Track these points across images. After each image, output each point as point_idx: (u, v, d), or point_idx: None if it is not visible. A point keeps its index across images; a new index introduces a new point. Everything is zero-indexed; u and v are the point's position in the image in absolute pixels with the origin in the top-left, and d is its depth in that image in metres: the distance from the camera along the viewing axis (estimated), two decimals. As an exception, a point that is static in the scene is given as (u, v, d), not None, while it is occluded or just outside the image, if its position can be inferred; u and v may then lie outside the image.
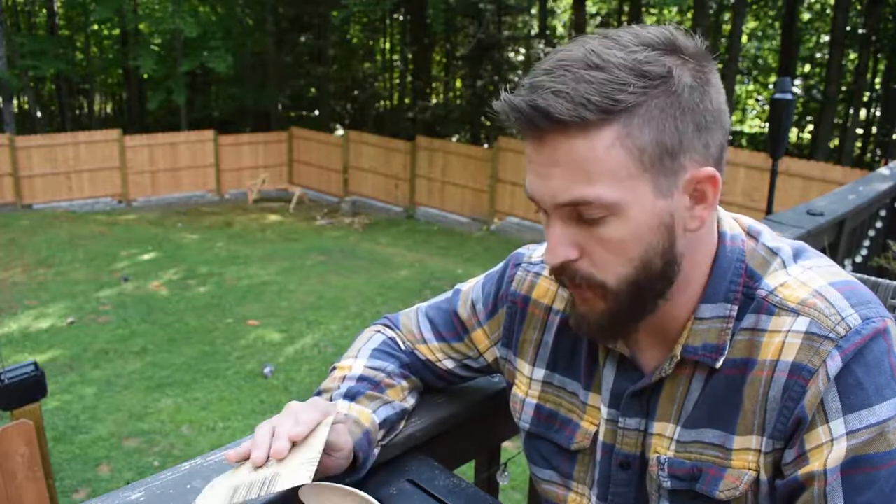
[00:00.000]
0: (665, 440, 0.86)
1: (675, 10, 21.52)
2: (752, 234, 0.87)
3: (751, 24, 23.78)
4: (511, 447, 1.34)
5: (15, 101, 21.50)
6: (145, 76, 21.19)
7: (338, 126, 24.79)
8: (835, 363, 0.75)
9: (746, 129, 26.91)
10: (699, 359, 0.83)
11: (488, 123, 20.16)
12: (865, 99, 22.70)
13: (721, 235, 0.85)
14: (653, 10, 22.81)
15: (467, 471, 1.30)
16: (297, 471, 0.78)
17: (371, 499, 0.85)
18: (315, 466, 0.78)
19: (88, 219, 15.55)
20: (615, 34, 0.76)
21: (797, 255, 0.85)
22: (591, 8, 23.85)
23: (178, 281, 11.53)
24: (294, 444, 0.83)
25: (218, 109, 24.84)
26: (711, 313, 0.83)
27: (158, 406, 7.31)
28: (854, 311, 0.77)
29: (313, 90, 25.25)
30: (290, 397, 7.53)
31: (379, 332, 1.14)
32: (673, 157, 0.75)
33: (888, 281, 1.38)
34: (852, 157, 19.44)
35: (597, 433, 0.93)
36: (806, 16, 23.11)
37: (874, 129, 23.52)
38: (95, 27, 24.67)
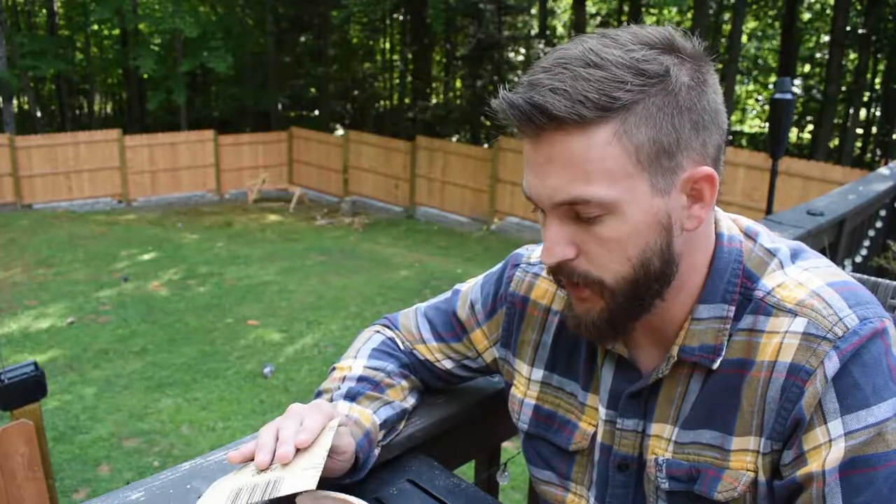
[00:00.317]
0: (663, 441, 0.86)
1: (674, 10, 21.53)
2: (749, 235, 0.87)
3: (751, 24, 23.78)
4: (511, 447, 1.35)
5: (15, 101, 21.50)
6: (145, 76, 21.18)
7: (338, 126, 24.79)
8: (832, 364, 0.75)
9: (746, 129, 26.91)
10: (696, 360, 0.83)
11: (488, 123, 20.13)
12: (865, 99, 22.70)
13: (718, 236, 0.85)
14: (653, 10, 22.81)
15: (467, 471, 1.30)
16: (302, 476, 0.78)
17: None
18: (320, 472, 0.78)
19: (88, 219, 15.55)
20: (613, 33, 0.77)
21: (795, 256, 0.85)
22: (591, 8, 23.85)
23: (178, 281, 11.53)
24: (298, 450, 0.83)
25: (218, 109, 24.85)
26: (709, 314, 0.83)
27: (158, 406, 7.31)
28: (852, 312, 0.77)
29: (313, 90, 25.25)
30: (290, 397, 7.53)
31: (378, 332, 1.14)
32: (670, 156, 0.75)
33: (888, 281, 1.38)
34: (852, 157, 19.44)
35: (595, 434, 0.93)
36: (806, 16, 23.11)
37: (874, 129, 23.53)
38: (95, 27, 24.68)
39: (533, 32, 22.82)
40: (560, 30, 25.52)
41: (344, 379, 1.03)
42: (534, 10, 22.72)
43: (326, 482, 0.87)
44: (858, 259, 3.57)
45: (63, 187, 16.59)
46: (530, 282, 1.02)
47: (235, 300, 10.58)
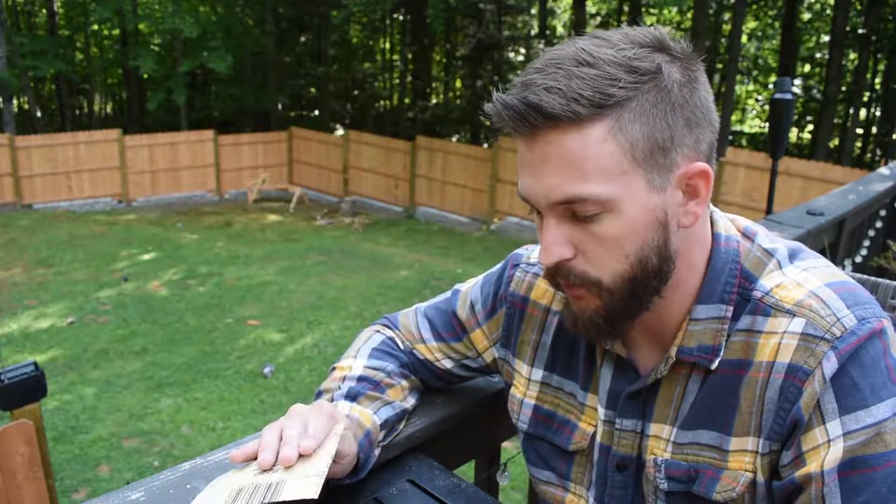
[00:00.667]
0: (662, 442, 0.86)
1: (675, 10, 21.53)
2: (747, 236, 0.87)
3: (751, 24, 23.77)
4: (511, 447, 1.35)
5: (15, 101, 21.51)
6: (145, 76, 21.19)
7: (338, 126, 24.80)
8: (830, 364, 0.75)
9: (746, 129, 26.91)
10: (695, 360, 0.83)
11: (488, 123, 20.14)
12: (865, 99, 22.70)
13: (716, 237, 0.85)
14: (653, 10, 22.80)
15: (467, 471, 1.30)
16: (304, 484, 0.77)
17: None
18: (322, 481, 0.77)
19: (88, 219, 15.56)
20: (604, 34, 0.78)
21: (793, 256, 0.85)
22: (591, 8, 23.85)
23: (178, 281, 11.53)
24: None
25: (218, 109, 24.84)
26: (707, 314, 0.83)
27: (158, 406, 7.31)
28: (850, 312, 0.77)
29: (313, 90, 25.26)
30: (290, 397, 7.53)
31: (378, 331, 1.14)
32: (665, 153, 0.76)
33: (888, 281, 1.38)
34: (852, 157, 19.45)
35: (595, 434, 0.93)
36: (806, 16, 23.11)
37: (874, 129, 23.53)
38: (95, 27, 24.69)
39: (533, 32, 22.83)
40: (560, 30, 25.52)
41: (344, 378, 1.03)
42: (534, 10, 22.73)
43: (326, 483, 0.87)
44: (858, 259, 3.57)
45: (63, 187, 16.59)
46: (530, 282, 1.02)
47: (235, 300, 10.58)
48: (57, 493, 4.90)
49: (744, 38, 22.52)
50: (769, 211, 5.44)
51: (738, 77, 22.57)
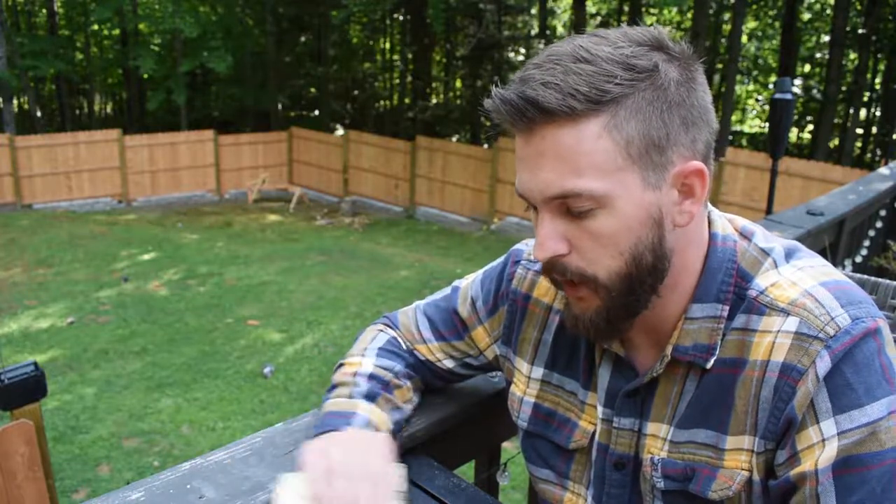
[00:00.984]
0: (659, 440, 0.87)
1: (675, 10, 21.54)
2: (745, 235, 0.88)
3: (751, 24, 23.78)
4: (511, 447, 1.35)
5: (15, 101, 21.52)
6: (145, 76, 21.20)
7: (338, 126, 24.80)
8: (824, 363, 0.75)
9: (746, 129, 26.92)
10: (690, 359, 0.83)
11: (488, 123, 20.14)
12: (865, 99, 22.71)
13: (712, 236, 0.86)
14: (653, 10, 22.81)
15: (467, 471, 1.30)
16: None
17: None
18: None
19: (88, 219, 15.56)
20: (603, 33, 0.78)
21: (789, 256, 0.85)
22: (591, 8, 23.85)
23: (178, 281, 11.53)
24: None
25: (218, 109, 24.84)
26: (702, 313, 0.83)
27: (158, 406, 7.31)
28: (844, 312, 0.77)
29: (313, 90, 25.26)
30: (290, 397, 7.53)
31: (382, 331, 1.14)
32: (660, 151, 0.76)
33: (888, 281, 1.38)
34: (852, 157, 19.45)
35: (594, 433, 0.93)
36: (806, 16, 23.11)
37: (874, 129, 23.53)
38: (95, 27, 24.70)
39: (533, 32, 22.83)
40: (560, 30, 25.53)
41: (356, 374, 1.02)
42: (534, 10, 22.73)
43: None
44: (858, 259, 3.57)
45: (63, 187, 16.60)
46: (532, 279, 1.02)
47: (235, 300, 10.58)
48: (57, 493, 4.90)
49: (744, 38, 22.53)
50: (769, 211, 5.45)
51: (738, 77, 22.57)
